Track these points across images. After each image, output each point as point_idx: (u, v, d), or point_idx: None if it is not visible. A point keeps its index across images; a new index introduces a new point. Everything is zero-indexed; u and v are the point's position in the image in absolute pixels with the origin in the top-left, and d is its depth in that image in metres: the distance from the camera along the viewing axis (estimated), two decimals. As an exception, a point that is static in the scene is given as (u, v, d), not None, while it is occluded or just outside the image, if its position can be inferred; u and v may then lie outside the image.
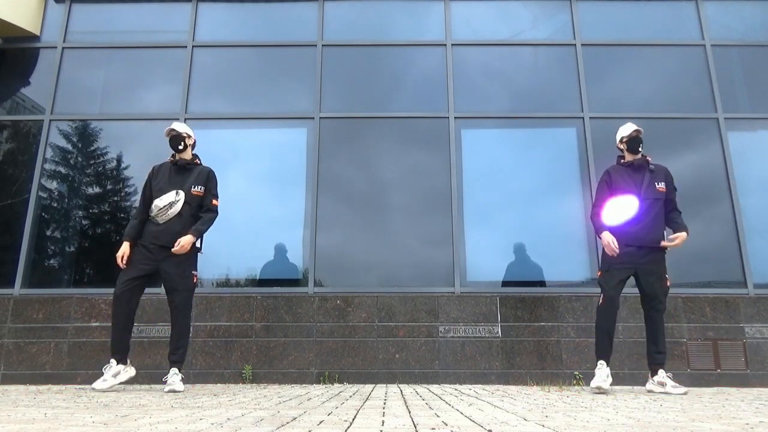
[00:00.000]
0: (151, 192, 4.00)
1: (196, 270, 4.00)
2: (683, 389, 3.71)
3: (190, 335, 4.95)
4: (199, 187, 4.01)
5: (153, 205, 3.90)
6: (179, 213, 3.90)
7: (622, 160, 4.11)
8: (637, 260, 3.88)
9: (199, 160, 4.18)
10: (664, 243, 3.91)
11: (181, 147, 4.05)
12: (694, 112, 5.72)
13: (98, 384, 3.71)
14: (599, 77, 5.86)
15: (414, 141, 5.72)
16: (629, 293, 5.02)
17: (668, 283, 3.94)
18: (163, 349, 4.88)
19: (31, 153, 5.69)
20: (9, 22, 5.71)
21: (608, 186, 4.05)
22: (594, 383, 3.72)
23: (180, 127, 4.08)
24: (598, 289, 5.07)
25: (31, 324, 4.99)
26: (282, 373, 4.86)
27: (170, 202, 3.89)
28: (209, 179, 4.08)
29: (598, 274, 4.02)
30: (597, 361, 3.85)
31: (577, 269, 5.29)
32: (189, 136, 4.11)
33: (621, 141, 4.10)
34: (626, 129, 4.06)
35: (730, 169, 5.49)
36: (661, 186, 3.96)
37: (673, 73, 5.93)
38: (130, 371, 3.88)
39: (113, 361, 3.79)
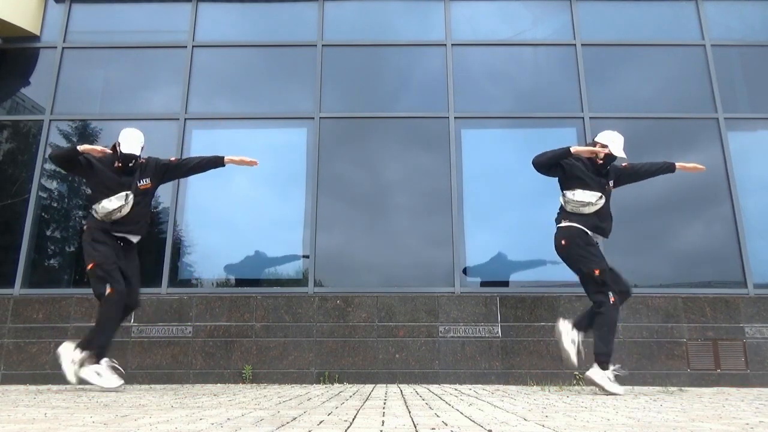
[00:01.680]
0: (91, 169, 3.88)
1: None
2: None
3: (191, 335, 4.96)
4: (145, 180, 3.98)
5: (100, 206, 3.82)
6: (130, 211, 3.88)
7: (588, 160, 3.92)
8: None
9: (141, 157, 4.04)
10: (680, 164, 3.98)
11: (131, 164, 3.93)
12: (694, 112, 5.72)
13: (108, 383, 3.68)
14: (599, 77, 5.86)
15: (414, 141, 5.72)
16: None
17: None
18: (162, 348, 4.89)
19: (31, 153, 5.69)
20: (9, 22, 5.71)
21: (563, 165, 3.88)
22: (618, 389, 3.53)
23: (136, 146, 3.90)
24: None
25: (31, 324, 4.99)
26: (282, 373, 4.86)
27: (120, 205, 3.82)
28: (148, 168, 4.00)
29: (596, 272, 3.68)
30: (610, 365, 3.59)
31: (577, 269, 5.29)
32: (142, 149, 4.01)
33: (603, 146, 3.86)
34: (616, 149, 3.84)
35: (730, 169, 5.49)
36: (610, 186, 3.93)
37: (673, 73, 5.92)
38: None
39: (106, 360, 3.74)
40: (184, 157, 4.06)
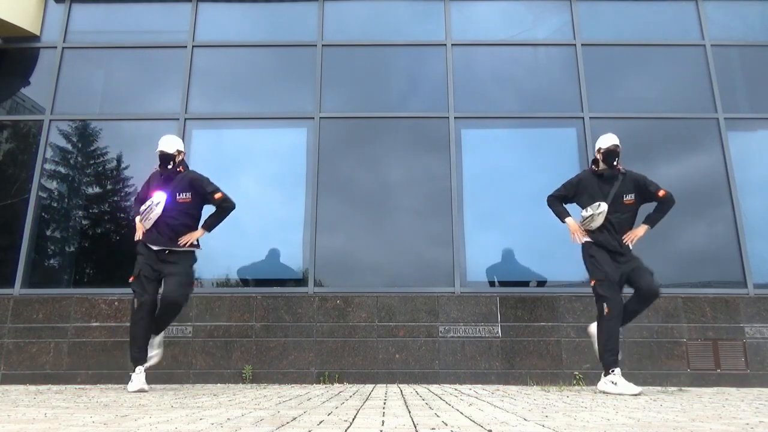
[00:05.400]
0: (144, 197, 4.10)
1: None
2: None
3: (190, 335, 4.96)
4: (185, 194, 3.99)
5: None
6: (164, 217, 3.92)
7: (594, 168, 4.06)
8: (618, 260, 3.90)
9: (183, 167, 4.12)
10: (626, 240, 3.95)
11: (170, 167, 4.02)
12: (694, 113, 5.71)
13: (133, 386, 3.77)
14: (599, 77, 5.86)
15: (414, 141, 5.72)
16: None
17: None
18: (163, 349, 4.87)
19: (31, 153, 5.69)
20: (9, 22, 5.71)
21: (575, 187, 4.09)
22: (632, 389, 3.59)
23: (168, 146, 4.02)
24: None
25: (31, 324, 4.99)
26: (282, 373, 4.86)
27: (148, 206, 3.92)
28: (192, 184, 4.02)
29: (592, 283, 3.83)
30: (611, 370, 3.71)
31: (577, 269, 5.26)
32: (179, 152, 4.07)
33: (598, 151, 4.04)
34: (605, 141, 4.01)
35: (730, 169, 5.49)
36: (629, 198, 3.94)
37: (673, 74, 5.92)
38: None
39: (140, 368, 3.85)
40: (215, 197, 4.04)
